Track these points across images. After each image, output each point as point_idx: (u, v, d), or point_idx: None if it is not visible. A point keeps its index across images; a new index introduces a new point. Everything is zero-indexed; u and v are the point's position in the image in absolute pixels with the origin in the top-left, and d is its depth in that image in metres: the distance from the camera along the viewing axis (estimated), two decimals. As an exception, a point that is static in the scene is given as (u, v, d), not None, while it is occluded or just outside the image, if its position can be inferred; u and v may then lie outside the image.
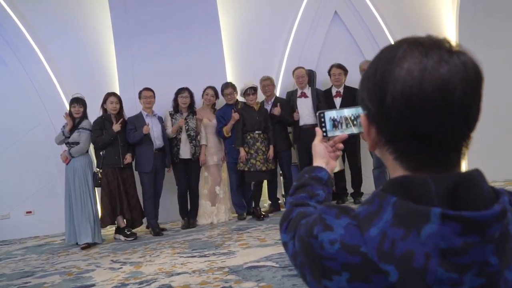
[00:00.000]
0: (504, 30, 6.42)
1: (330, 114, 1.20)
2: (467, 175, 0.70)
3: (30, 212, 6.32)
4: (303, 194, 1.03)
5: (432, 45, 0.72)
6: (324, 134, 1.19)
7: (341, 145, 1.19)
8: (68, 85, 6.33)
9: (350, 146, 5.90)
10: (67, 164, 5.22)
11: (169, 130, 5.59)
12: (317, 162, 1.14)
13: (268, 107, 5.88)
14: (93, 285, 3.54)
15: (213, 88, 5.87)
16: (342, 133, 1.19)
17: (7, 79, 6.29)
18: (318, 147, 1.17)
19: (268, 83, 5.90)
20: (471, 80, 0.70)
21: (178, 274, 3.56)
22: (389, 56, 0.73)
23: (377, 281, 0.68)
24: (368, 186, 6.09)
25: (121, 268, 3.98)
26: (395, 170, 0.76)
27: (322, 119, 1.19)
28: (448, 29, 6.78)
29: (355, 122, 1.18)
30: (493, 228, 0.65)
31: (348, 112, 1.19)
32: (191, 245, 4.56)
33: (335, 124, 1.19)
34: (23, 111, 6.31)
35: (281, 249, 3.94)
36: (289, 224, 0.90)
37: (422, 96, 0.68)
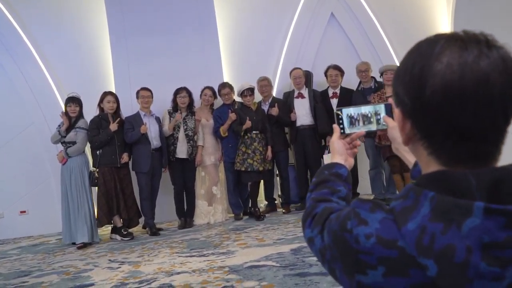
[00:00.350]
0: (499, 33, 6.49)
1: (347, 111, 1.20)
2: (507, 170, 0.70)
3: (24, 211, 6.26)
4: (324, 190, 1.02)
5: (471, 40, 0.72)
6: (342, 131, 1.20)
7: (358, 142, 1.20)
8: (63, 84, 6.29)
9: (347, 147, 5.92)
10: (63, 164, 5.19)
11: (166, 127, 5.57)
12: (336, 159, 1.14)
13: (265, 107, 5.89)
14: (92, 284, 3.52)
15: (211, 89, 5.87)
16: (359, 130, 1.20)
17: (1, 78, 6.24)
18: (337, 144, 1.17)
19: (265, 84, 5.91)
20: (510, 74, 0.70)
21: (178, 273, 3.55)
22: (427, 51, 0.73)
23: (415, 275, 0.68)
24: (364, 187, 6.12)
25: (119, 267, 3.96)
26: (429, 166, 0.76)
27: (340, 116, 1.20)
28: (443, 29, 6.83)
29: (372, 120, 1.19)
30: None
31: (365, 109, 1.20)
32: (189, 245, 4.55)
33: (352, 121, 1.20)
34: (16, 110, 6.25)
35: (280, 249, 3.96)
36: (314, 219, 0.90)
37: (462, 90, 0.68)
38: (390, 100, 1.05)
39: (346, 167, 1.11)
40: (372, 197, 5.91)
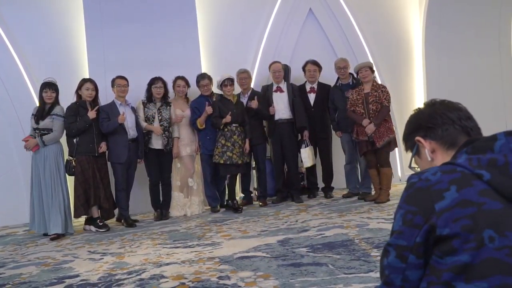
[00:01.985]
0: (469, 34, 6.78)
1: None
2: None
3: (-13, 201, 5.95)
4: None
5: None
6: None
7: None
8: (32, 69, 6.02)
9: (323, 142, 6.01)
10: (34, 151, 4.97)
11: (143, 119, 5.46)
12: None
13: (244, 100, 5.88)
14: (77, 275, 3.40)
15: (183, 78, 5.78)
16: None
17: (-35, 60, 5.89)
18: None
19: (245, 76, 5.89)
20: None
21: (167, 264, 3.48)
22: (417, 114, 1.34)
23: (477, 183, 1.02)
24: (339, 181, 6.23)
25: (102, 258, 3.85)
26: (445, 154, 1.23)
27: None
28: (416, 34, 7.06)
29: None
30: None
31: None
32: (171, 236, 4.48)
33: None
34: (-19, 95, 5.93)
35: (266, 240, 3.99)
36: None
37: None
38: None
39: None
40: (346, 191, 6.03)
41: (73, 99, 5.15)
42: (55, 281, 3.32)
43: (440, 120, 1.24)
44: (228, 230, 4.57)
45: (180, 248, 3.96)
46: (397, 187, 6.24)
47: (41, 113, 4.97)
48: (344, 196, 5.90)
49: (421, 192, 1.05)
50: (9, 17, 5.98)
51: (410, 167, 1.36)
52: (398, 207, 1.09)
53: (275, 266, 3.20)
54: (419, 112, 1.32)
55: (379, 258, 3.07)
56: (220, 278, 3.04)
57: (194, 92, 5.91)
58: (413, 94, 7.11)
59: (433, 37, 6.81)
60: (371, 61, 6.38)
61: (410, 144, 1.32)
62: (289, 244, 3.78)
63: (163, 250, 3.95)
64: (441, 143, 1.23)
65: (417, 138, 1.27)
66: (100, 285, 3.13)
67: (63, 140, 5.15)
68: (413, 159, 1.34)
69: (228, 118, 5.42)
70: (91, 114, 5.00)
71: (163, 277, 3.18)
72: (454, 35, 6.74)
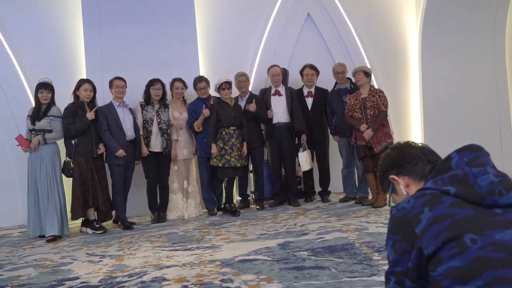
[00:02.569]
0: (465, 39, 6.85)
1: None
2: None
3: (-19, 203, 5.87)
4: None
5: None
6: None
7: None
8: (29, 68, 5.96)
9: (320, 146, 6.02)
10: (26, 151, 4.91)
11: (140, 121, 5.44)
12: None
13: (242, 103, 5.87)
14: (77, 278, 3.37)
15: (181, 80, 5.76)
16: None
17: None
18: None
19: (243, 79, 5.89)
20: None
21: (168, 267, 3.47)
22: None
23: (446, 199, 1.13)
24: (336, 185, 6.25)
25: (101, 261, 3.82)
26: (418, 185, 1.36)
27: None
28: (412, 39, 7.11)
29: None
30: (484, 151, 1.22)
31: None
32: (170, 239, 4.46)
33: None
34: (-24, 94, 5.86)
35: (266, 243, 3.99)
36: None
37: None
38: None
39: None
40: (343, 195, 6.05)
41: (70, 99, 5.11)
42: (55, 283, 3.28)
43: (408, 157, 1.42)
44: (227, 233, 4.56)
45: (180, 251, 3.94)
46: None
47: (37, 114, 4.92)
48: (341, 200, 5.92)
49: (400, 220, 1.17)
50: (6, 17, 5.92)
51: (389, 205, 1.43)
52: (387, 238, 1.21)
53: (277, 269, 3.19)
54: (387, 155, 1.49)
55: (381, 262, 3.10)
56: (222, 281, 3.03)
57: (191, 94, 5.89)
58: (409, 98, 7.15)
59: (430, 41, 6.86)
60: (368, 65, 6.42)
61: (386, 183, 1.47)
62: (290, 247, 3.78)
63: (163, 252, 3.93)
64: (413, 177, 1.40)
65: (391, 176, 1.43)
66: (101, 287, 3.10)
67: (60, 141, 5.10)
68: (392, 198, 1.48)
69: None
70: (90, 115, 4.96)
71: (164, 279, 3.16)
72: (450, 39, 6.80)
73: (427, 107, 6.96)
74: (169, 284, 3.06)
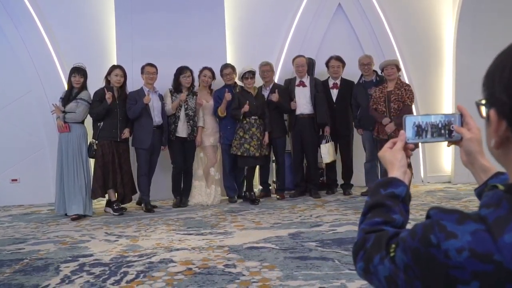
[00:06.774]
0: (502, 36, 6.58)
1: (414, 120, 1.09)
2: None
3: (16, 180, 6.19)
4: (377, 219, 0.93)
5: None
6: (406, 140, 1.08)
7: (411, 152, 1.10)
8: (63, 54, 6.20)
9: (344, 139, 5.98)
10: (60, 132, 5.12)
11: (169, 106, 5.54)
12: (395, 172, 1.03)
13: (265, 93, 5.89)
14: (91, 255, 3.52)
15: (210, 69, 5.82)
16: (424, 142, 1.11)
17: (2, 44, 6.11)
18: (399, 154, 1.05)
19: (267, 69, 5.90)
20: None
21: (178, 250, 3.57)
22: None
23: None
24: (359, 178, 6.19)
25: (117, 240, 3.97)
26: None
27: (404, 124, 1.10)
28: (447, 34, 6.90)
29: (442, 131, 1.08)
30: None
31: (436, 118, 1.09)
32: (186, 223, 4.57)
33: (419, 131, 1.08)
34: (14, 76, 6.15)
35: (278, 232, 4.01)
36: (367, 251, 0.86)
37: None
38: (460, 108, 1.05)
39: (405, 184, 1.00)
40: (365, 189, 5.99)
41: (102, 84, 5.28)
42: (70, 259, 3.44)
43: None
44: (242, 220, 4.62)
45: (193, 235, 4.03)
46: (418, 188, 6.16)
47: (68, 96, 5.12)
48: (363, 194, 5.87)
49: (433, 263, 0.71)
50: (43, 5, 6.17)
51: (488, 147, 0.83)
52: (402, 242, 0.78)
53: (282, 258, 3.23)
54: None
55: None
56: (226, 266, 3.10)
57: (218, 84, 5.96)
58: (441, 95, 6.97)
59: (466, 38, 6.63)
60: (399, 59, 6.30)
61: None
62: (300, 237, 3.81)
63: (176, 236, 4.04)
64: None
65: (492, 111, 0.76)
66: (111, 265, 3.23)
67: (89, 124, 5.30)
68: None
69: (246, 108, 5.45)
70: (108, 97, 5.05)
71: (171, 261, 3.26)
72: (487, 37, 6.55)
73: (461, 105, 6.74)
74: (175, 265, 3.15)
